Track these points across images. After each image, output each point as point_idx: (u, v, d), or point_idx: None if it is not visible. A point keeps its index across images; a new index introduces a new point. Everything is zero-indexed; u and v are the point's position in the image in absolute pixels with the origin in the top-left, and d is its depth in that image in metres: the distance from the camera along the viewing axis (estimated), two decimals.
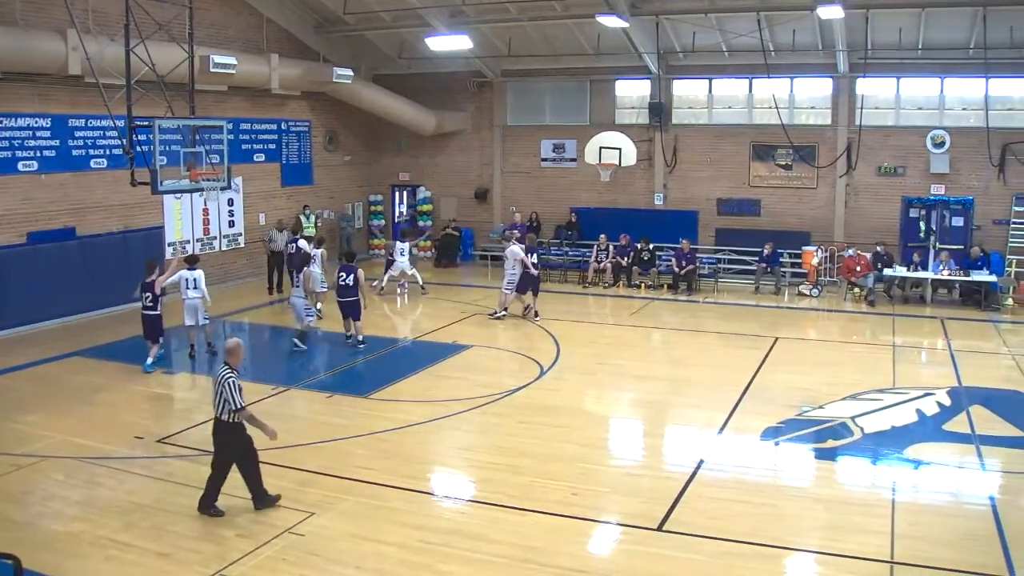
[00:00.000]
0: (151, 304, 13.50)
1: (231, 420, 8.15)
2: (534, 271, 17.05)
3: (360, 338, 14.77)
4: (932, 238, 19.59)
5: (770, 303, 19.18)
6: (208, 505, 8.27)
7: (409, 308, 18.45)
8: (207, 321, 14.43)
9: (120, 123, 12.82)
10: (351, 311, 14.80)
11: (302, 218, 22.32)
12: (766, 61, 19.80)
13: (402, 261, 19.49)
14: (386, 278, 19.66)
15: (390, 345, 14.75)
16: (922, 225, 19.83)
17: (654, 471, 9.76)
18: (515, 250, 16.93)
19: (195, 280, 14.07)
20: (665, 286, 20.47)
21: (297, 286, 15.05)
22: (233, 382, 8.11)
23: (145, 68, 12.75)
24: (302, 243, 17.03)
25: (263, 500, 8.37)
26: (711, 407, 11.65)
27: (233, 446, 8.24)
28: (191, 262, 14.34)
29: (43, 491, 8.81)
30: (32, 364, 13.63)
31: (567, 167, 23.67)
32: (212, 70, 17.26)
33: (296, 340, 14.68)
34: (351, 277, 14.75)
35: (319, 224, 22.58)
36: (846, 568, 7.31)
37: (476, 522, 8.21)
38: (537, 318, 16.84)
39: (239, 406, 8.09)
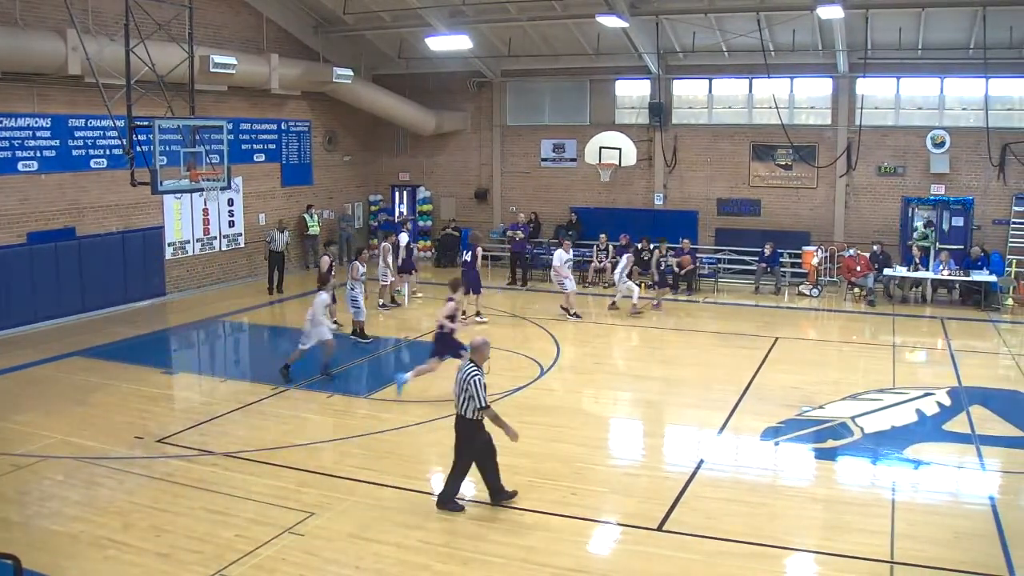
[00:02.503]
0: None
1: (475, 417, 8.13)
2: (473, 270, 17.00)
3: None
4: (931, 237, 19.58)
5: (770, 303, 19.18)
6: (447, 501, 8.32)
7: (409, 308, 18.42)
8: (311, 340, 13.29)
9: (120, 123, 12.82)
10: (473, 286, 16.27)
11: (306, 217, 22.38)
12: (766, 61, 19.80)
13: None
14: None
15: (390, 345, 14.72)
16: (918, 225, 19.83)
17: (654, 471, 9.76)
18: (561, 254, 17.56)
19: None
20: (460, 294, 19.94)
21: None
22: (479, 380, 8.10)
23: (145, 68, 12.75)
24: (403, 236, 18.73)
25: (501, 496, 8.37)
26: (711, 407, 11.65)
27: (475, 443, 8.22)
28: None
29: (42, 491, 8.80)
30: (32, 364, 13.62)
31: (567, 167, 23.67)
32: (212, 70, 17.27)
33: (356, 338, 14.81)
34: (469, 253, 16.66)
35: (321, 223, 22.69)
36: (846, 568, 7.30)
37: (475, 522, 8.20)
38: (478, 318, 16.59)
39: (484, 404, 8.08)
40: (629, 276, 17.55)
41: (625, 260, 18.11)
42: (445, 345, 12.08)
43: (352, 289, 15.04)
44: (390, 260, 18.07)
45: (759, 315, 17.84)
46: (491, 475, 8.37)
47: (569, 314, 17.19)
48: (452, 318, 12.08)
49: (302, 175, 22.95)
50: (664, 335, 16.57)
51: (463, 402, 8.17)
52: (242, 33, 20.30)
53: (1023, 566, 7.23)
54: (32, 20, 15.32)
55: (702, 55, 21.23)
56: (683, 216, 22.27)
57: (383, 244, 18.54)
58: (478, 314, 16.76)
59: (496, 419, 8.26)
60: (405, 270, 18.75)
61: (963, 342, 15.45)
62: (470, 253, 17.31)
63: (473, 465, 8.37)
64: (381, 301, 18.07)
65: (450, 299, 12.47)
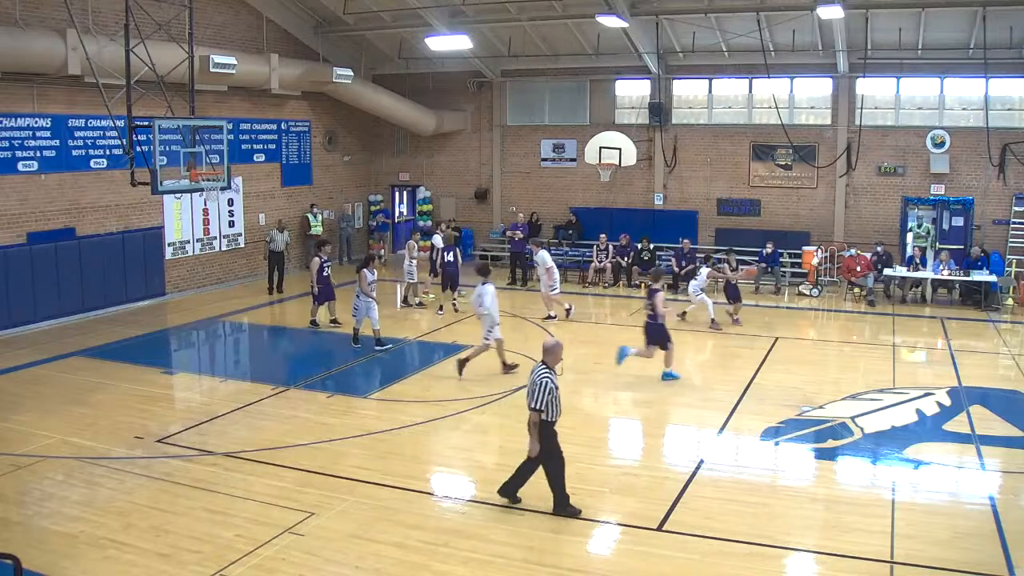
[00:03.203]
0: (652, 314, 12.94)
1: (547, 419, 8.06)
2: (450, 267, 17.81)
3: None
4: (932, 232, 19.59)
5: (770, 303, 19.18)
6: (510, 493, 8.34)
7: (408, 308, 18.43)
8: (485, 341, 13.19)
9: (120, 123, 12.82)
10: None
11: (309, 216, 22.39)
12: (766, 61, 19.80)
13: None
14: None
15: (389, 345, 14.71)
16: (912, 226, 19.84)
17: (653, 471, 9.75)
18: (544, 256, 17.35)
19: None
20: (665, 286, 20.41)
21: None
22: (547, 383, 8.01)
23: (145, 68, 12.74)
24: (436, 239, 18.51)
25: (563, 507, 8.24)
26: (711, 407, 11.65)
27: (543, 446, 8.12)
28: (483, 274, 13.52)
29: (42, 491, 8.81)
30: (31, 364, 13.62)
31: (567, 167, 23.67)
32: (212, 70, 17.26)
33: (376, 344, 14.57)
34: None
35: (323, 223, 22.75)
36: (846, 568, 7.30)
37: (475, 522, 8.21)
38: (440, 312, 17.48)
39: (537, 407, 7.98)
40: (703, 290, 16.82)
41: (704, 274, 16.93)
42: (659, 335, 12.79)
43: (358, 298, 14.60)
44: (415, 257, 18.13)
45: (759, 315, 17.84)
46: (556, 481, 8.25)
47: (555, 316, 17.22)
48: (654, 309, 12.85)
49: (302, 175, 22.95)
50: None
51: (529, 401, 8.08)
52: (242, 33, 20.31)
53: (1023, 566, 7.23)
54: (32, 20, 15.32)
55: (702, 55, 21.23)
56: (683, 216, 22.27)
57: (408, 242, 18.61)
58: (454, 308, 17.64)
59: (534, 427, 8.10)
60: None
61: (963, 342, 15.45)
62: (451, 253, 17.96)
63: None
64: (418, 300, 18.25)
65: (656, 290, 13.03)
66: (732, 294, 17.10)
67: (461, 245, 24.01)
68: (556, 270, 17.52)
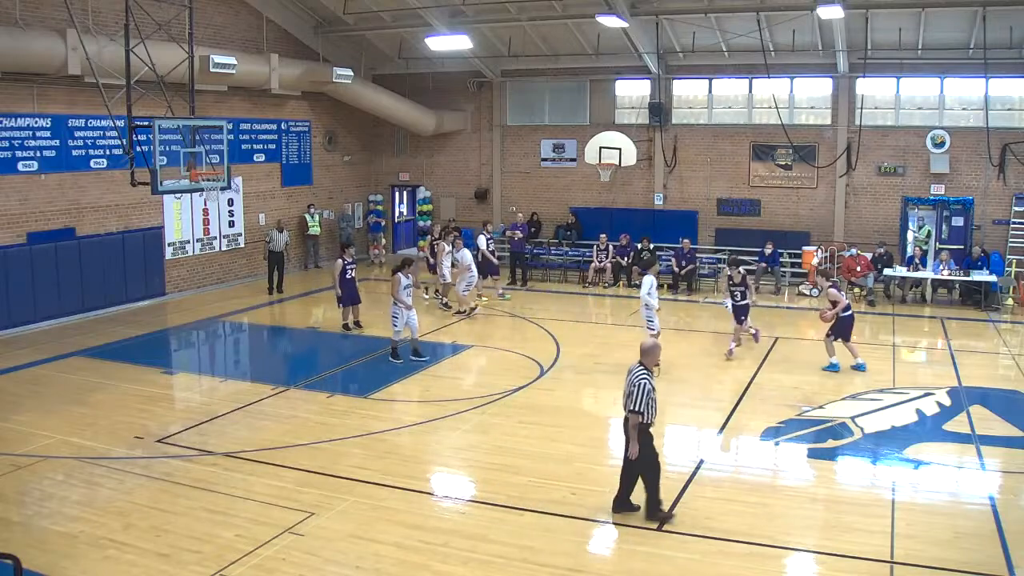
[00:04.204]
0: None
1: (642, 422, 7.99)
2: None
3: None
4: (931, 240, 19.57)
5: (770, 303, 19.17)
6: (625, 504, 8.21)
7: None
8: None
9: (120, 123, 12.82)
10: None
11: (307, 216, 22.39)
12: (766, 61, 19.80)
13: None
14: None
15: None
16: (912, 226, 19.83)
17: None
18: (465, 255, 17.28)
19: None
20: (665, 286, 20.46)
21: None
22: (645, 384, 7.91)
23: (145, 68, 12.75)
24: (481, 241, 18.78)
25: (655, 513, 8.13)
26: (711, 407, 11.66)
27: (644, 447, 8.02)
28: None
29: (42, 491, 8.80)
30: (32, 364, 13.62)
31: (567, 167, 23.67)
32: (212, 70, 17.26)
33: (411, 355, 13.97)
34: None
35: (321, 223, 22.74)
36: (846, 568, 7.30)
37: (474, 522, 8.20)
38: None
39: (636, 408, 7.88)
40: (617, 278, 16.90)
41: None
42: (844, 327, 13.38)
43: (395, 305, 13.68)
44: (448, 261, 17.81)
45: (759, 315, 17.79)
46: (650, 486, 8.15)
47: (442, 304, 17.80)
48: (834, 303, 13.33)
49: (302, 175, 22.96)
50: (664, 335, 16.49)
51: (629, 404, 7.99)
52: (242, 33, 20.31)
53: (1023, 566, 7.23)
54: (32, 20, 15.32)
55: (702, 55, 21.23)
56: (683, 216, 22.27)
57: (439, 243, 18.29)
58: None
59: (631, 428, 7.98)
60: (491, 272, 18.88)
61: (963, 342, 15.45)
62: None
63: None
64: (462, 304, 17.62)
65: (833, 285, 13.76)
66: (740, 313, 14.43)
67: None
68: (476, 276, 17.41)
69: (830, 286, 13.81)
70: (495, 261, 19.25)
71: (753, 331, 14.54)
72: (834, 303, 13.39)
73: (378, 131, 25.34)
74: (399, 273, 13.73)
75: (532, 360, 13.95)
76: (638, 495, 8.21)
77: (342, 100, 22.74)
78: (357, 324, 16.11)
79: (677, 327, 17.00)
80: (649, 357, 8.20)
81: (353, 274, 15.87)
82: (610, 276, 21.00)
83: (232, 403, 11.74)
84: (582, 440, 10.43)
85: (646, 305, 13.66)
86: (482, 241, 18.97)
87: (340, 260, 15.75)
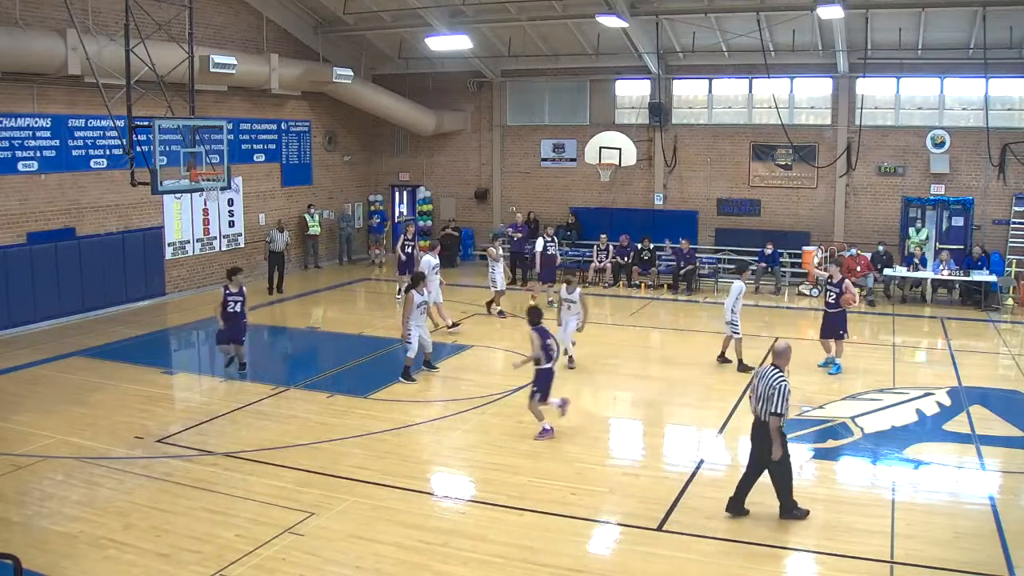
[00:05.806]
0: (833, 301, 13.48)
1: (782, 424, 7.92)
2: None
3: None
4: (930, 242, 19.58)
5: (770, 303, 19.17)
6: (737, 506, 8.18)
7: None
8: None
9: (120, 123, 12.82)
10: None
11: (307, 217, 22.38)
12: (766, 61, 19.80)
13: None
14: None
15: (389, 345, 14.70)
16: (912, 231, 19.84)
17: (653, 471, 9.75)
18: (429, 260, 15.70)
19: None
20: (665, 286, 20.48)
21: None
22: (784, 386, 7.93)
23: (145, 68, 12.74)
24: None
25: (790, 511, 8.12)
26: (711, 407, 11.66)
27: (769, 449, 8.01)
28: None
29: (42, 491, 8.80)
30: (32, 364, 13.62)
31: (567, 167, 23.67)
32: (212, 70, 17.26)
33: (423, 364, 13.39)
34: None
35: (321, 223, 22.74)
36: (846, 568, 7.30)
37: (474, 522, 8.21)
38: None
39: (780, 411, 7.88)
40: (617, 278, 15.89)
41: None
42: (833, 324, 13.41)
43: (409, 320, 12.79)
44: (500, 268, 17.26)
45: (759, 315, 17.83)
46: (783, 486, 8.14)
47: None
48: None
49: (302, 175, 22.95)
50: (664, 335, 16.57)
51: (763, 407, 7.96)
52: (242, 33, 20.31)
53: (1023, 566, 7.23)
54: (32, 20, 15.32)
55: (702, 55, 21.23)
56: (683, 216, 22.27)
57: (489, 248, 17.68)
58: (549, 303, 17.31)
59: (777, 431, 7.98)
60: (548, 279, 18.55)
61: (963, 342, 15.45)
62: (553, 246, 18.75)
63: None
64: (499, 309, 17.26)
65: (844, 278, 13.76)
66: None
67: (461, 245, 24.17)
68: (439, 290, 15.88)
69: (841, 277, 13.64)
70: (553, 264, 18.70)
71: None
72: (846, 289, 13.34)
73: (378, 131, 25.34)
74: (412, 291, 12.90)
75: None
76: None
77: (342, 100, 22.74)
78: (243, 366, 13.07)
79: (678, 327, 17.01)
80: (782, 358, 8.28)
81: (239, 308, 12.86)
82: (610, 276, 21.00)
83: (232, 403, 11.75)
84: (582, 440, 10.43)
85: (732, 310, 13.44)
86: (539, 243, 18.78)
87: (223, 289, 13.05)
